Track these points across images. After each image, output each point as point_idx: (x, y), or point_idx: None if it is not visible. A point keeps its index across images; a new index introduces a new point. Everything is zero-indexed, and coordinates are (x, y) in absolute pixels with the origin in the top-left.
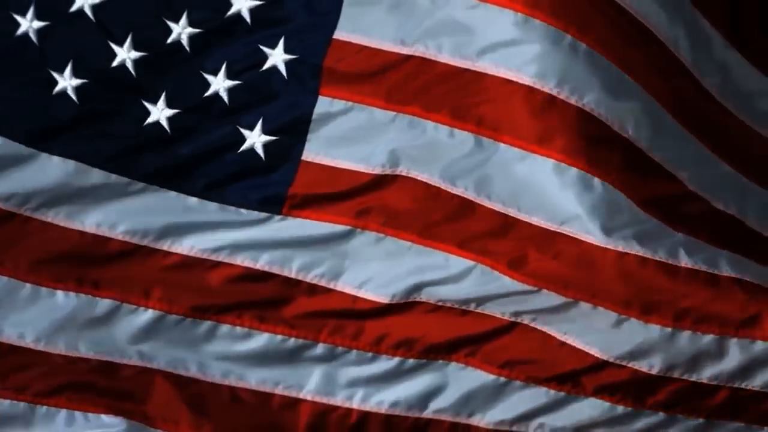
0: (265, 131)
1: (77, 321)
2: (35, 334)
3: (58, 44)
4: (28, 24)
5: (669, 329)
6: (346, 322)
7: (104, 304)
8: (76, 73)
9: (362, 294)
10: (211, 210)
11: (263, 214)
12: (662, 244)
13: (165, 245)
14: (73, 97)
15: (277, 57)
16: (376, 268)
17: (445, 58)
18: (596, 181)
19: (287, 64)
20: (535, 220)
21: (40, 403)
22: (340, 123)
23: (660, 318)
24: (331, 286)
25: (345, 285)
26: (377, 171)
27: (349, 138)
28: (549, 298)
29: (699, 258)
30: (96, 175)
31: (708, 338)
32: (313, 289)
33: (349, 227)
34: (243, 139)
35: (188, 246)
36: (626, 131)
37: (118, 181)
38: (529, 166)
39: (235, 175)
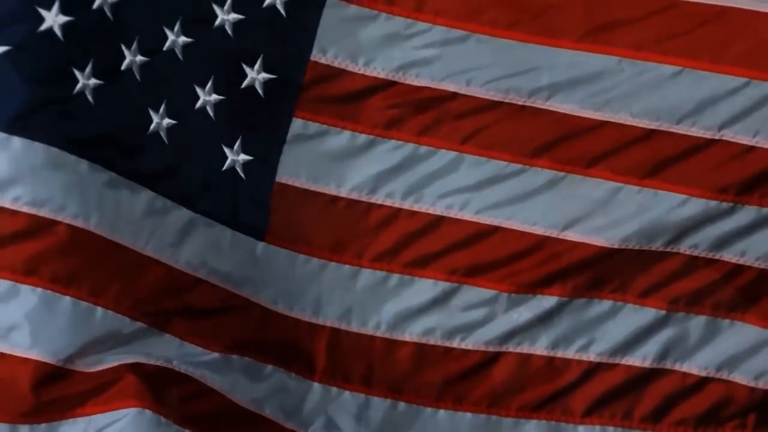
0: (244, 150)
1: None
2: None
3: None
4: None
5: (663, 312)
6: None
7: None
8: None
9: None
10: None
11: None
12: None
13: None
14: (90, 98)
15: (255, 75)
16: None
17: (424, 82)
18: None
19: (265, 83)
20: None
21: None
22: (313, 145)
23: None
24: None
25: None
26: (353, 196)
27: (323, 161)
28: None
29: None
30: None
31: (700, 320)
32: None
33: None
34: (226, 157)
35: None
36: None
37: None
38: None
39: (219, 193)
